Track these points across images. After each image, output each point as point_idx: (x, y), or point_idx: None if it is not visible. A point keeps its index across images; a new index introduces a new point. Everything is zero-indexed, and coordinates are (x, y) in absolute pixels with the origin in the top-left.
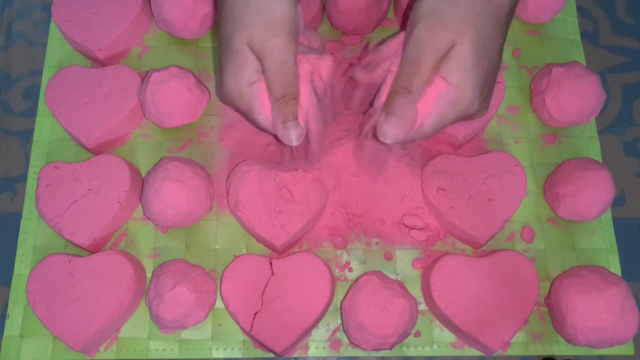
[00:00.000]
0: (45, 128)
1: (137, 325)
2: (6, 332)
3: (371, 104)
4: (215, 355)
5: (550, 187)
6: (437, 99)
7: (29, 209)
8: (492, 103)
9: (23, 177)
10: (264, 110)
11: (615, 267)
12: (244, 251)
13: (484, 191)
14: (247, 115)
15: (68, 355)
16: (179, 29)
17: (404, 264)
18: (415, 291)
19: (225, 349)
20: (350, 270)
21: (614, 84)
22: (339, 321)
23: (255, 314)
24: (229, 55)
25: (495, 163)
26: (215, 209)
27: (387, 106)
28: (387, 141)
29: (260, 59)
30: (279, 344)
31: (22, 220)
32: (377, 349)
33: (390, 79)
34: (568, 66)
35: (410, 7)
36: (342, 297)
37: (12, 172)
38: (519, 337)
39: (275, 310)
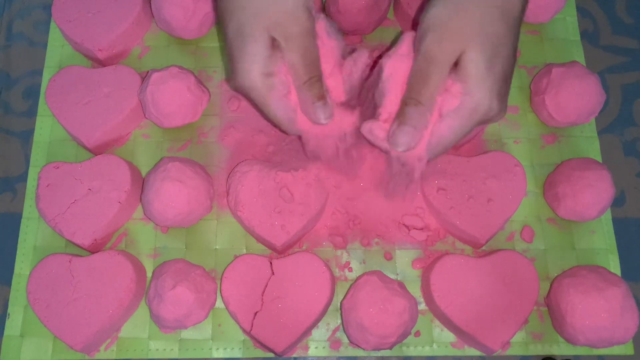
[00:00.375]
0: (45, 128)
1: (137, 325)
2: (6, 332)
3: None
4: (215, 355)
5: (550, 187)
6: (454, 111)
7: (29, 209)
8: None
9: (23, 177)
10: (280, 103)
11: (615, 267)
12: (244, 251)
13: (484, 191)
14: (259, 107)
15: (68, 355)
16: (179, 29)
17: (404, 264)
18: (415, 291)
19: (225, 348)
20: (350, 270)
21: (614, 84)
22: (339, 321)
23: (255, 313)
24: (243, 45)
25: (495, 163)
26: (215, 209)
27: (398, 116)
28: (399, 149)
29: (282, 45)
30: (279, 344)
31: (23, 220)
32: (377, 349)
33: (392, 90)
34: (568, 66)
35: (411, 8)
36: (342, 297)
37: (12, 172)
38: (519, 337)
39: (275, 310)
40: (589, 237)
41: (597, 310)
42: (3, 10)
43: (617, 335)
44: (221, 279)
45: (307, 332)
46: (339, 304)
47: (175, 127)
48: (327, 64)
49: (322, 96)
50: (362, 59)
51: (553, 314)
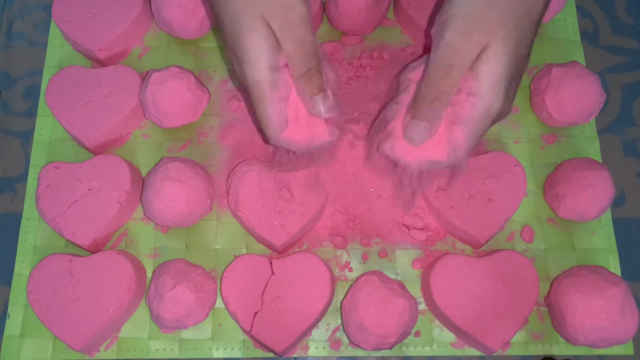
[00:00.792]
0: (45, 128)
1: (137, 325)
2: (6, 331)
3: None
4: (215, 355)
5: (550, 187)
6: (466, 115)
7: (29, 209)
8: None
9: (23, 177)
10: (276, 106)
11: (615, 267)
12: (244, 251)
13: (484, 191)
14: (255, 102)
15: (68, 355)
16: (179, 29)
17: (404, 264)
18: (415, 291)
19: (225, 348)
20: (350, 270)
21: (614, 84)
22: (339, 321)
23: (255, 313)
24: (243, 36)
25: (495, 163)
26: (215, 209)
27: (414, 110)
28: (413, 144)
29: (279, 36)
30: (279, 344)
31: (23, 220)
32: (377, 349)
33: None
34: (568, 66)
35: (411, 8)
36: (342, 297)
37: (12, 172)
38: (519, 337)
39: (275, 310)
40: (589, 237)
41: (597, 310)
42: (3, 10)
43: (617, 335)
44: (221, 279)
45: (307, 332)
46: (339, 304)
47: (175, 127)
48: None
49: (322, 88)
50: (331, 77)
51: (553, 314)
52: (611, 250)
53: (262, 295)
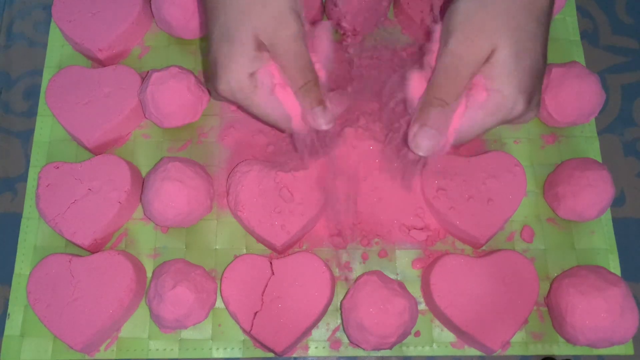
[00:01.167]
0: (45, 128)
1: (137, 325)
2: (6, 331)
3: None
4: (215, 355)
5: (550, 187)
6: (478, 107)
7: (29, 209)
8: None
9: (23, 177)
10: (267, 101)
11: (614, 267)
12: (244, 251)
13: (484, 191)
14: (246, 108)
15: (68, 355)
16: (179, 29)
17: (404, 264)
18: (415, 291)
19: (225, 348)
20: (350, 270)
21: (614, 84)
22: (339, 321)
23: (255, 313)
24: (229, 48)
25: (495, 163)
26: (215, 209)
27: (421, 117)
28: (421, 153)
29: (271, 51)
30: (279, 344)
31: (23, 220)
32: (377, 349)
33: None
34: (568, 66)
35: (411, 8)
36: (342, 297)
37: (12, 172)
38: (519, 337)
39: (275, 310)
40: (589, 237)
41: (597, 310)
42: (3, 10)
43: (617, 335)
44: (221, 279)
45: (307, 332)
46: (339, 304)
47: (175, 127)
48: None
49: (321, 101)
50: (326, 31)
51: (553, 314)
52: (611, 250)
53: (262, 295)
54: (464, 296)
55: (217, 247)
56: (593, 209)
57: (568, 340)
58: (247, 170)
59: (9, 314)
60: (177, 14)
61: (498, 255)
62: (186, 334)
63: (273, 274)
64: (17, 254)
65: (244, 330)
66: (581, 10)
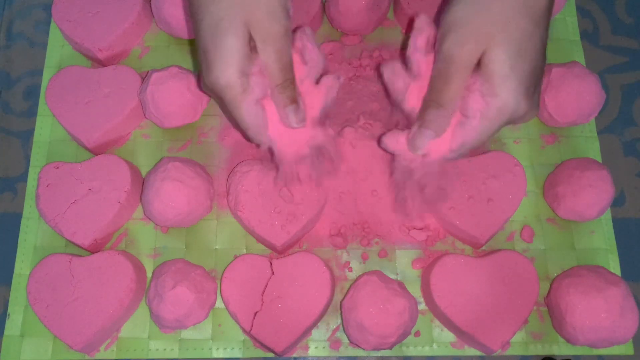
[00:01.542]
0: (45, 128)
1: (137, 325)
2: (6, 332)
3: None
4: (215, 355)
5: (550, 187)
6: (480, 112)
7: (29, 209)
8: None
9: (23, 177)
10: (252, 108)
11: (614, 267)
12: (244, 251)
13: (484, 191)
14: (229, 108)
15: (68, 355)
16: (179, 29)
17: (404, 264)
18: (415, 291)
19: (225, 348)
20: (350, 270)
21: (614, 84)
22: (339, 321)
23: (255, 313)
24: (220, 39)
25: (495, 163)
26: (215, 209)
27: (420, 118)
28: (418, 152)
29: (258, 46)
30: (279, 344)
31: (23, 220)
32: (377, 349)
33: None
34: (568, 66)
35: (411, 8)
36: (342, 297)
37: (12, 172)
38: (519, 337)
39: (275, 310)
40: (589, 237)
41: (597, 310)
42: (3, 10)
43: (617, 335)
44: (221, 279)
45: (307, 332)
46: (339, 304)
47: (175, 127)
48: (307, 79)
49: (294, 100)
50: (334, 83)
51: (553, 314)
52: (611, 250)
53: (262, 295)
54: (464, 296)
55: (217, 247)
56: (593, 209)
57: (568, 340)
58: (247, 170)
59: (9, 314)
60: (177, 14)
61: (498, 255)
62: (186, 334)
63: (273, 274)
64: (17, 254)
65: (244, 330)
66: (581, 10)
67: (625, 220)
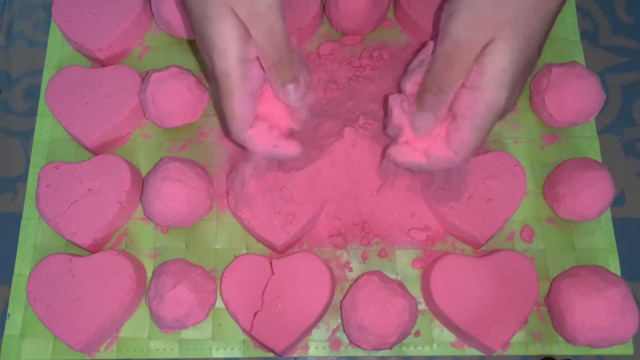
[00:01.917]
0: (45, 128)
1: (137, 325)
2: (6, 331)
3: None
4: (215, 355)
5: (549, 187)
6: (471, 111)
7: (29, 209)
8: None
9: (23, 177)
10: (245, 100)
11: (614, 267)
12: (244, 251)
13: (484, 191)
14: (221, 93)
15: (68, 355)
16: (179, 29)
17: (404, 264)
18: (415, 291)
19: (225, 348)
20: (350, 270)
21: (614, 84)
22: (339, 321)
23: (255, 313)
24: (210, 25)
25: (494, 163)
26: (215, 209)
27: (418, 101)
28: (419, 134)
29: (247, 25)
30: (279, 344)
31: (23, 220)
32: (377, 349)
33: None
34: (568, 66)
35: (411, 8)
36: (342, 297)
37: (12, 172)
38: (519, 337)
39: (275, 310)
40: (589, 237)
41: (597, 310)
42: (3, 10)
43: (617, 335)
44: (221, 279)
45: (307, 332)
46: (339, 304)
47: (175, 127)
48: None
49: (293, 78)
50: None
51: (553, 313)
52: (611, 250)
53: (262, 295)
54: (464, 296)
55: (217, 247)
56: (593, 209)
57: (568, 340)
58: None
59: (9, 314)
60: (177, 14)
61: (498, 255)
62: (186, 334)
63: (273, 274)
64: (17, 254)
65: (244, 330)
66: (581, 10)
67: (625, 220)
